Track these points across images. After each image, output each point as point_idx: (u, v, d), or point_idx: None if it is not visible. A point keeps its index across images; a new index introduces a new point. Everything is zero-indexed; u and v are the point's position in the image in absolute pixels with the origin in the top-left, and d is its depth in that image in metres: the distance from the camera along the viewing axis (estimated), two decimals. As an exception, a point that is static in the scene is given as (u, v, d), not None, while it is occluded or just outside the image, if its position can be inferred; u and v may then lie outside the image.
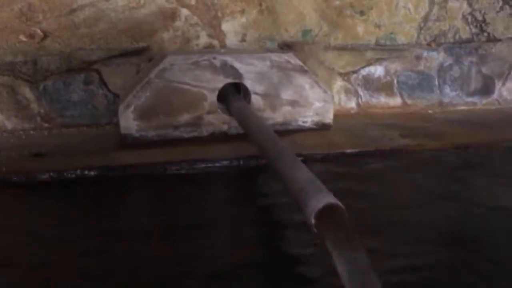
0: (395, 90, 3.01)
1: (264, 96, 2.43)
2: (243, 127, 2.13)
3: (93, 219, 1.66)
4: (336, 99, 2.93)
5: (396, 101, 3.03)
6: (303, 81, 2.46)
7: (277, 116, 2.47)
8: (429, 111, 3.05)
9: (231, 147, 2.26)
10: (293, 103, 2.48)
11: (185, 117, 2.35)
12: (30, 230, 1.58)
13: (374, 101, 3.00)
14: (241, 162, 2.13)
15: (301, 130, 2.51)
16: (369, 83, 2.96)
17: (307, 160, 2.08)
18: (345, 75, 2.94)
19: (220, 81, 2.34)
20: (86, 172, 2.01)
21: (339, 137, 2.44)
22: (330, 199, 1.18)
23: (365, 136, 2.48)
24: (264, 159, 1.73)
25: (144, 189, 1.95)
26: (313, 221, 1.17)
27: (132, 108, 2.27)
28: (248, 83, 2.38)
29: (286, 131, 2.45)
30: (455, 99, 3.11)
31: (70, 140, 2.47)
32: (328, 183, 1.24)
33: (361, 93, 2.97)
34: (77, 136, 2.55)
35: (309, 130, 2.52)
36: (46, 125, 2.67)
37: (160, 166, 2.06)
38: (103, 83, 2.68)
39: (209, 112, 2.37)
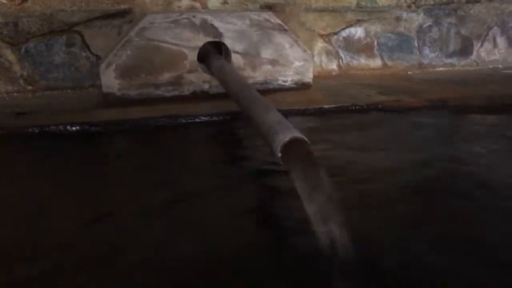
0: (375, 51, 3.05)
1: (244, 55, 2.46)
2: (222, 83, 2.17)
3: (75, 169, 1.71)
4: (317, 60, 2.97)
5: (376, 62, 3.08)
6: (283, 40, 2.49)
7: (257, 75, 2.52)
8: (409, 72, 3.11)
9: (212, 105, 2.30)
10: (273, 62, 2.52)
11: (166, 76, 2.38)
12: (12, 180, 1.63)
13: (354, 62, 3.05)
14: (221, 118, 2.18)
15: (281, 89, 2.56)
16: (350, 45, 3.01)
17: (285, 115, 2.13)
18: (325, 37, 2.98)
19: (200, 40, 2.37)
20: (68, 127, 2.05)
21: (318, 95, 2.50)
22: (295, 133, 1.25)
23: (344, 94, 2.54)
24: (240, 109, 1.79)
25: (125, 142, 2.00)
26: (279, 154, 1.24)
27: (113, 67, 2.30)
28: (228, 41, 2.42)
29: (266, 90, 2.49)
30: (434, 60, 3.17)
31: (53, 101, 2.50)
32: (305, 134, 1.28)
33: (341, 54, 3.02)
34: (61, 98, 2.58)
35: (289, 89, 2.58)
36: (29, 87, 2.69)
37: (141, 121, 2.10)
38: (85, 45, 2.70)
39: (189, 71, 2.41)
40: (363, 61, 3.06)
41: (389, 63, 3.10)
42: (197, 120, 2.16)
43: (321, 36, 2.97)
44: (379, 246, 1.12)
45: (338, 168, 1.59)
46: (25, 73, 2.67)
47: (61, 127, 2.05)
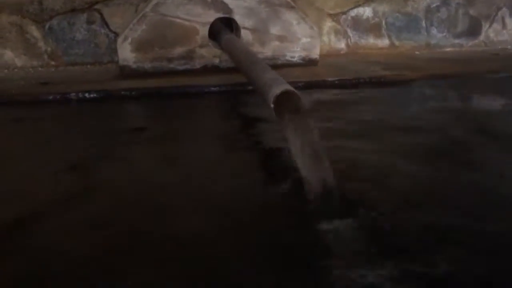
0: (383, 31, 3.13)
1: (253, 31, 2.58)
2: (229, 54, 2.30)
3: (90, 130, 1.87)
4: (325, 39, 3.07)
5: (384, 42, 3.16)
6: (290, 17, 2.60)
7: (266, 51, 2.63)
8: (416, 52, 3.17)
9: (221, 78, 2.43)
10: (281, 38, 2.63)
11: (178, 50, 2.52)
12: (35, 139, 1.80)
13: (363, 42, 3.13)
14: (229, 88, 2.30)
15: (289, 65, 2.66)
16: (358, 24, 3.09)
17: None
18: (334, 16, 3.07)
19: (211, 16, 2.50)
20: (87, 94, 2.21)
21: (324, 70, 2.60)
22: (287, 87, 1.36)
23: (349, 70, 2.63)
24: (242, 72, 1.91)
25: (139, 108, 2.16)
26: (272, 105, 1.36)
27: (129, 41, 2.45)
28: (238, 18, 2.54)
29: (274, 66, 2.56)
30: (442, 41, 3.22)
31: (74, 74, 2.68)
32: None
33: (350, 34, 3.10)
34: (81, 72, 2.75)
35: (296, 65, 2.68)
36: (52, 62, 2.88)
37: (153, 90, 2.25)
38: (104, 22, 2.86)
39: (201, 46, 2.54)
40: (371, 40, 3.14)
41: (397, 43, 3.17)
42: (205, 90, 2.29)
43: (330, 15, 3.06)
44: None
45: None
46: (48, 49, 2.85)
47: (80, 94, 2.21)
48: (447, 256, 0.87)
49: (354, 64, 2.78)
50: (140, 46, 2.47)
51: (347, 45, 3.13)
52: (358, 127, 1.74)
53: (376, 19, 3.11)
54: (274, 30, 2.61)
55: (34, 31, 2.81)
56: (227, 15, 2.53)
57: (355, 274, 0.83)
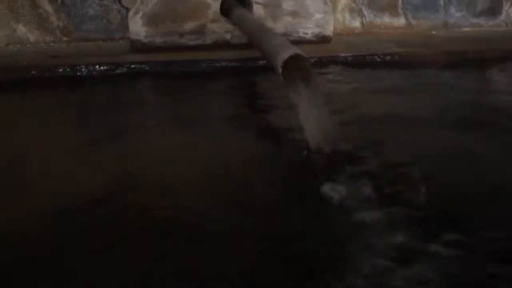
0: (399, 10, 3.05)
1: (265, 5, 2.54)
2: (240, 27, 2.26)
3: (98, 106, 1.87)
4: (340, 18, 3.00)
5: (400, 21, 3.08)
6: (304, -9, 2.55)
7: (278, 27, 2.58)
8: (433, 32, 3.08)
9: (233, 54, 2.40)
10: (293, 14, 2.58)
11: (189, 25, 2.49)
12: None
13: (378, 20, 3.06)
14: (240, 63, 2.27)
15: (302, 42, 2.60)
16: (373, 2, 3.01)
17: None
18: (349, -6, 3.00)
19: (223, -10, 2.46)
20: (97, 67, 2.20)
21: (337, 47, 2.54)
22: (296, 50, 1.33)
23: (363, 47, 2.57)
24: (253, 43, 1.88)
25: (147, 82, 2.15)
26: (280, 70, 1.33)
27: (140, 15, 2.43)
28: (250, -8, 2.50)
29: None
30: (460, 20, 3.13)
31: (85, 49, 2.67)
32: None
33: (365, 12, 3.03)
34: (92, 47, 2.74)
35: (309, 42, 2.63)
36: (65, 38, 2.87)
37: (164, 63, 2.23)
38: (116, -2, 2.84)
39: (212, 21, 2.51)
40: (386, 19, 3.06)
41: (413, 22, 3.09)
42: (216, 64, 2.26)
43: (345, -7, 3.00)
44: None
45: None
46: (61, 24, 2.84)
47: (90, 67, 2.21)
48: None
49: (368, 43, 2.71)
50: (151, 20, 2.45)
51: (362, 24, 3.06)
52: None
53: (392, -3, 3.03)
54: (287, 5, 2.56)
55: (47, 6, 2.80)
56: (239, -11, 2.49)
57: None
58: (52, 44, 2.85)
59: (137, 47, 2.47)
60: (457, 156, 1.22)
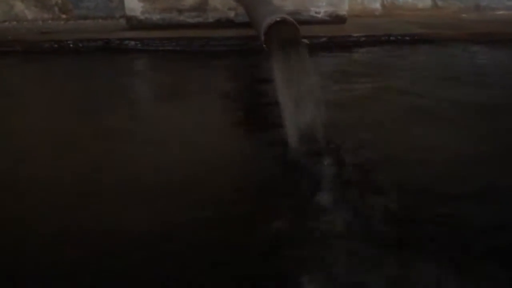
0: (425, -11, 2.76)
1: (273, -19, 2.31)
2: (240, 2, 2.05)
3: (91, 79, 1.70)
4: (358, -2, 2.74)
5: (425, 2, 2.80)
6: (316, -34, 2.31)
7: (287, 5, 2.35)
8: (463, 15, 2.79)
9: (235, 33, 2.19)
10: (304, -9, 2.35)
11: (189, 1, 2.29)
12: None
13: (400, 1, 2.78)
14: (240, 42, 2.06)
15: (313, 22, 2.37)
16: (396, -19, 2.74)
17: (312, 43, 2.00)
18: (369, -29, 2.74)
19: (226, -38, 2.25)
20: (86, 43, 2.04)
21: (351, 28, 2.29)
22: (282, 15, 1.11)
23: (380, 28, 2.31)
24: (247, 15, 1.67)
25: (141, 59, 1.97)
26: (262, 37, 1.12)
27: (136, -12, 2.25)
28: (256, -35, 2.27)
29: (297, 22, 2.33)
30: (494, 2, 2.81)
31: (80, 27, 2.50)
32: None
33: (386, -8, 2.76)
34: (89, 25, 2.58)
35: (322, 22, 2.39)
36: (63, 16, 2.72)
37: (158, 41, 2.04)
38: (117, -26, 2.67)
39: (215, -4, 2.30)
40: (410, 0, 2.78)
41: (440, 3, 2.80)
42: (211, 43, 2.06)
43: (364, -30, 2.73)
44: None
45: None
46: (59, 1, 2.69)
47: (79, 43, 2.04)
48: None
49: (387, 24, 2.45)
50: (148, -5, 2.26)
51: (383, 5, 2.79)
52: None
53: (417, -24, 2.75)
54: (297, -20, 2.33)
55: (45, -18, 2.65)
56: (244, -38, 2.27)
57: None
58: (49, 21, 2.70)
59: (133, 24, 2.29)
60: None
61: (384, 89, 1.42)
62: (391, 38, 2.09)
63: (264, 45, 1.10)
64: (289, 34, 1.05)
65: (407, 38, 2.08)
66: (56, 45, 2.03)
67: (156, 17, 2.30)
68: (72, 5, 2.70)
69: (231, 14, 2.33)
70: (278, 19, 1.07)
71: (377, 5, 2.81)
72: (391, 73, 1.66)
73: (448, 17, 2.74)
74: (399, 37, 2.08)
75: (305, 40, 2.01)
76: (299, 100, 0.93)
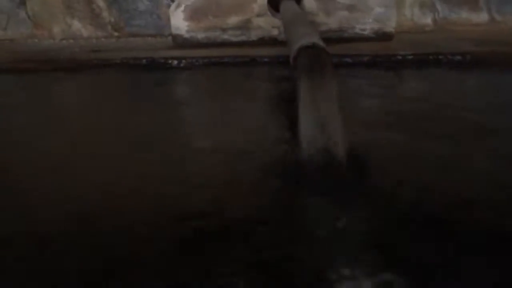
0: (481, 3, 2.62)
1: (318, -2, 2.28)
2: (283, 20, 2.03)
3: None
4: (408, 14, 2.65)
5: (481, 17, 2.65)
6: (362, -18, 2.26)
7: (331, 22, 2.32)
8: (524, 30, 2.61)
9: (279, 51, 2.18)
10: (350, 8, 2.30)
11: (233, 19, 2.32)
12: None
13: (453, 16, 2.66)
14: (281, 60, 2.04)
15: (358, 39, 2.32)
16: (449, -5, 2.62)
17: (349, 63, 1.96)
18: (420, -14, 2.64)
19: (270, -19, 2.25)
20: (131, 62, 2.10)
21: (398, 46, 2.21)
22: (314, 39, 1.08)
23: (431, 45, 2.21)
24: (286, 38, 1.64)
25: (186, 76, 2.01)
26: (292, 61, 1.09)
27: (182, 8, 2.30)
28: (300, -17, 2.26)
29: (341, 39, 2.29)
30: (560, 16, 2.62)
31: (130, 44, 2.60)
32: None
33: (438, 7, 2.65)
34: (139, 43, 2.67)
35: (367, 39, 2.33)
36: (115, 33, 2.84)
37: (203, 59, 2.07)
38: (166, -7, 2.75)
39: (258, 15, 2.31)
40: (464, 15, 2.65)
41: (498, 17, 2.64)
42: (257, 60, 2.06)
43: (415, -15, 2.64)
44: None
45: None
46: (112, 19, 2.82)
47: (124, 61, 2.11)
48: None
49: (439, 41, 2.33)
50: (193, 14, 2.31)
51: (434, 20, 2.68)
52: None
53: (473, -12, 2.61)
54: (342, -3, 2.28)
55: (100, 1, 2.79)
56: (288, -20, 2.26)
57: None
58: (103, 39, 2.83)
59: (179, 42, 2.35)
60: None
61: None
62: (441, 56, 1.98)
63: (292, 69, 1.08)
64: (316, 59, 1.02)
65: (458, 56, 1.97)
66: (103, 64, 2.11)
67: (201, 35, 2.34)
68: (123, 22, 2.82)
69: (275, 32, 2.33)
70: (307, 44, 1.04)
71: (428, 21, 2.70)
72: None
73: (508, 33, 2.58)
74: (449, 56, 1.98)
75: (348, 59, 1.96)
76: (320, 126, 0.90)
